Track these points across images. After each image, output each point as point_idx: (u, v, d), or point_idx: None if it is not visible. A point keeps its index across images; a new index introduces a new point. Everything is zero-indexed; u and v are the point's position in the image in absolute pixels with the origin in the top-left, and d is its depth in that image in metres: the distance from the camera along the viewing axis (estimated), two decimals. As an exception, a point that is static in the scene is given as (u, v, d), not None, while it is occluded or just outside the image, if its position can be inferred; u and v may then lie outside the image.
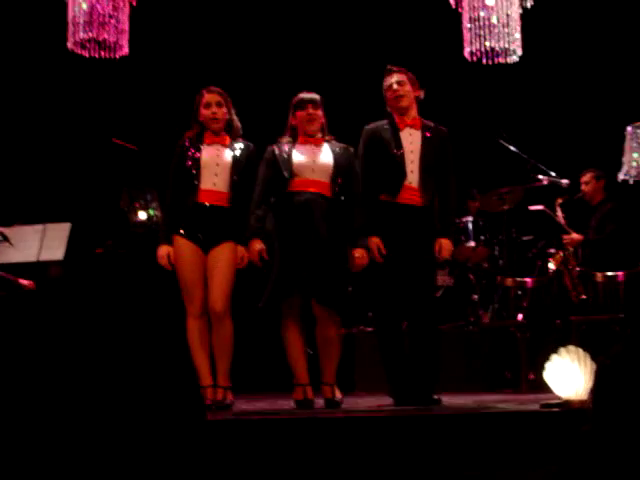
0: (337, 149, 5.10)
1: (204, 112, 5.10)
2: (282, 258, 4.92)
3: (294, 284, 4.88)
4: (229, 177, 5.02)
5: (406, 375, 5.07)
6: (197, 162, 5.01)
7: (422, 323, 5.08)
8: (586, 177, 7.31)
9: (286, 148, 5.08)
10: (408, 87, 5.21)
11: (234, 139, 5.14)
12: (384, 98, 5.30)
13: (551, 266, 6.94)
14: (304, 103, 5.09)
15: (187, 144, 5.10)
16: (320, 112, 5.11)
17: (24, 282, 5.71)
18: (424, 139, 5.19)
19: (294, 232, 4.94)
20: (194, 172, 5.00)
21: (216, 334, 4.93)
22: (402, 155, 5.12)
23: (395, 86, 5.20)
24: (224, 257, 4.95)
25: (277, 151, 5.08)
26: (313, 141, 5.09)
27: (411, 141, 5.17)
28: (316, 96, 5.13)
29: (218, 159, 5.04)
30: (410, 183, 5.10)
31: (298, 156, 5.03)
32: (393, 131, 5.19)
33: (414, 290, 5.06)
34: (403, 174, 5.09)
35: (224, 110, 5.11)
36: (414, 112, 5.26)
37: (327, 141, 5.13)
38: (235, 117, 5.18)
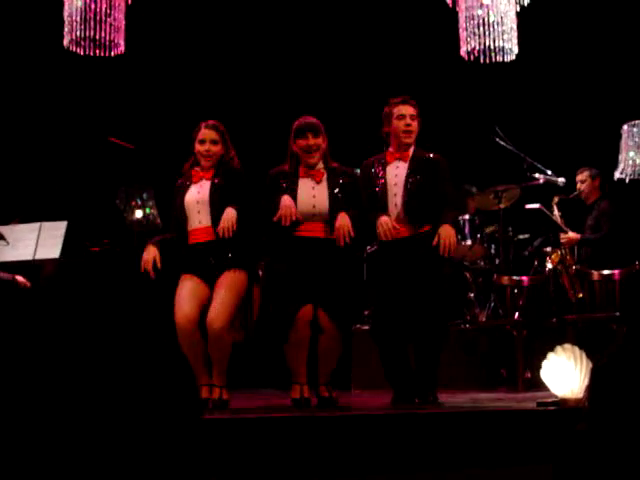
0: (339, 180, 5.05)
1: (198, 147, 5.05)
2: (285, 280, 4.93)
3: (304, 297, 4.90)
4: (209, 212, 4.95)
5: (407, 373, 5.07)
6: (183, 204, 5.02)
7: (429, 322, 5.02)
8: (582, 176, 7.31)
9: (289, 183, 5.02)
10: (417, 122, 5.12)
11: (218, 173, 5.04)
12: (387, 123, 5.16)
13: (549, 265, 6.94)
14: (304, 130, 5.01)
15: (180, 181, 5.11)
16: (321, 140, 5.03)
17: (20, 279, 5.70)
18: (410, 171, 5.07)
19: (294, 269, 4.94)
20: (181, 215, 5.02)
21: (212, 350, 4.83)
22: (384, 190, 5.06)
23: (409, 120, 5.09)
24: (228, 280, 4.87)
25: (283, 186, 5.03)
26: (314, 174, 5.05)
27: (396, 174, 5.10)
28: (316, 122, 5.04)
29: (199, 196, 4.99)
30: (397, 215, 5.03)
31: (300, 199, 4.99)
32: (382, 165, 5.12)
33: (421, 308, 4.99)
34: (384, 210, 5.03)
35: (218, 148, 5.03)
36: (411, 147, 5.16)
37: (330, 169, 5.07)
38: (232, 155, 5.09)
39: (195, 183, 5.05)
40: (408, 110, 5.10)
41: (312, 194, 5.01)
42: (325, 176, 5.05)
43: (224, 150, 5.05)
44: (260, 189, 5.12)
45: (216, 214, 4.92)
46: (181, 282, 4.96)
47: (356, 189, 5.08)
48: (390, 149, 5.17)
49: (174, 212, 5.13)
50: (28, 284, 5.70)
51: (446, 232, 4.88)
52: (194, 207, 4.99)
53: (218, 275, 4.88)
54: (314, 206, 4.99)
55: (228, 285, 4.86)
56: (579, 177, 7.32)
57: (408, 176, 5.06)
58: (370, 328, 5.30)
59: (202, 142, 5.02)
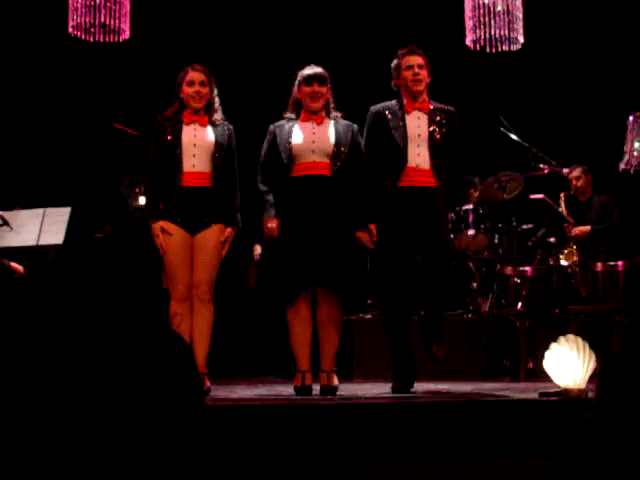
0: (340, 126, 5.06)
1: (186, 89, 5.03)
2: (287, 251, 4.91)
3: (308, 276, 4.88)
4: (210, 157, 4.98)
5: (411, 361, 5.06)
6: (176, 143, 4.97)
7: (436, 309, 5.05)
8: (576, 172, 7.26)
9: (286, 129, 5.05)
10: (426, 71, 5.12)
11: (212, 119, 5.08)
12: (396, 75, 5.16)
13: (563, 263, 6.91)
14: (310, 79, 5.03)
15: (165, 123, 5.05)
16: (325, 89, 5.05)
17: (16, 266, 5.68)
18: (431, 122, 5.10)
19: (297, 221, 4.93)
20: (173, 153, 4.97)
21: (196, 318, 4.89)
22: (405, 141, 5.05)
23: (417, 69, 5.08)
24: (211, 241, 4.92)
25: (278, 133, 5.06)
26: (315, 118, 5.05)
27: (418, 124, 5.09)
28: (323, 72, 5.06)
29: (196, 139, 4.99)
30: (418, 165, 5.03)
31: (297, 138, 5.00)
32: (400, 114, 5.11)
33: (429, 276, 4.99)
34: (404, 160, 5.03)
35: (207, 90, 5.05)
36: (424, 96, 5.16)
37: (332, 118, 5.08)
38: (217, 99, 5.12)
39: (188, 125, 5.03)
40: (416, 60, 5.10)
41: (312, 131, 5.02)
42: (326, 120, 5.07)
43: (210, 94, 5.06)
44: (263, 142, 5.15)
45: (217, 160, 4.98)
46: (167, 233, 4.94)
47: (356, 141, 5.07)
48: (405, 101, 5.14)
49: (159, 151, 5.04)
50: (22, 270, 5.66)
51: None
52: (190, 149, 4.97)
53: (202, 227, 4.92)
54: (313, 142, 4.99)
55: (212, 247, 4.92)
56: (574, 174, 7.26)
57: (431, 127, 5.08)
58: (378, 293, 5.32)
59: (191, 84, 5.03)
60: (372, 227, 5.03)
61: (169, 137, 5.00)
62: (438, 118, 5.12)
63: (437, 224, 5.04)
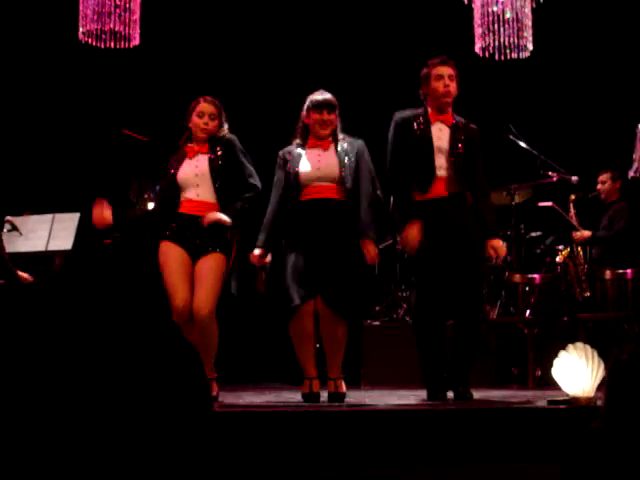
0: (344, 148, 5.04)
1: (195, 120, 5.05)
2: (292, 263, 4.89)
3: (310, 287, 4.87)
4: (211, 185, 4.99)
5: (442, 370, 5.01)
6: (175, 178, 5.02)
7: (468, 319, 4.98)
8: (603, 177, 7.34)
9: (295, 156, 5.04)
10: (455, 83, 5.06)
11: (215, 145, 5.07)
12: (425, 84, 5.09)
13: (557, 259, 6.93)
14: (320, 106, 5.00)
15: (172, 159, 5.13)
16: (334, 116, 5.02)
17: (23, 275, 5.66)
18: (452, 135, 5.04)
19: (302, 238, 4.91)
20: (172, 188, 5.03)
21: (201, 337, 4.81)
22: (432, 151, 5.00)
23: (447, 80, 5.02)
24: (212, 265, 4.89)
25: (288, 160, 5.05)
26: (321, 144, 5.04)
27: (439, 136, 5.03)
28: (333, 99, 5.04)
29: (197, 170, 5.00)
30: (441, 176, 4.99)
31: (304, 167, 4.99)
32: (425, 124, 5.06)
33: (461, 285, 4.93)
34: (432, 171, 4.98)
35: (216, 123, 5.05)
36: (450, 109, 5.11)
37: (337, 141, 5.06)
38: (226, 131, 5.11)
39: (191, 158, 5.05)
40: (447, 71, 5.04)
41: (317, 159, 5.00)
42: (332, 145, 5.05)
43: (218, 128, 5.07)
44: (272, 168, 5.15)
45: (219, 186, 4.96)
46: (166, 252, 4.96)
47: (359, 159, 5.01)
48: (429, 110, 5.10)
49: (162, 185, 5.17)
50: (30, 279, 5.66)
51: (501, 248, 5.06)
52: (192, 181, 5.00)
53: (203, 252, 4.90)
54: (319, 169, 4.97)
55: (214, 269, 4.88)
56: (600, 178, 7.36)
57: (452, 139, 5.02)
58: (413, 312, 5.27)
59: (201, 115, 5.03)
60: (414, 227, 4.96)
61: (171, 172, 5.06)
62: (460, 133, 5.08)
63: (466, 228, 4.98)
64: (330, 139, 5.07)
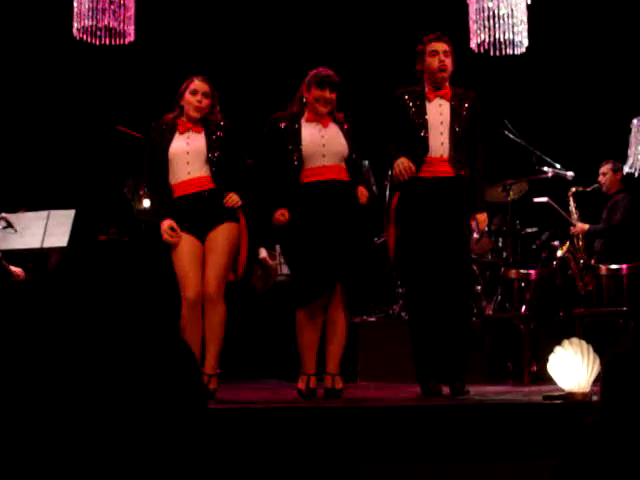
0: (346, 127, 5.03)
1: (188, 97, 4.98)
2: (308, 252, 4.85)
3: (329, 278, 4.84)
4: (204, 159, 4.94)
5: (436, 365, 4.99)
6: (166, 155, 4.95)
7: (457, 313, 4.98)
8: (604, 168, 7.33)
9: (293, 126, 4.97)
10: (451, 59, 5.05)
11: (207, 125, 5.03)
12: (420, 61, 5.08)
13: (559, 253, 6.92)
14: (324, 83, 4.93)
15: (157, 134, 5.03)
16: (335, 96, 4.98)
17: (15, 269, 5.65)
18: (453, 110, 5.02)
19: (314, 227, 4.87)
20: (165, 167, 4.96)
21: (208, 317, 4.83)
22: (427, 130, 4.98)
23: (442, 56, 5.01)
24: (220, 240, 4.89)
25: (284, 127, 4.98)
26: (321, 120, 4.99)
27: (440, 112, 5.01)
28: (336, 78, 4.99)
29: (188, 147, 4.94)
30: (441, 155, 4.98)
31: (307, 139, 4.93)
32: (421, 102, 5.04)
33: (450, 276, 4.92)
34: (426, 150, 4.97)
35: (208, 102, 4.99)
36: (447, 83, 5.09)
37: (336, 121, 5.04)
38: (217, 111, 5.07)
39: (182, 133, 4.99)
40: (441, 46, 5.03)
41: (320, 135, 4.96)
42: (331, 122, 5.02)
43: (211, 107, 5.02)
44: (259, 137, 5.11)
45: (215, 163, 4.93)
46: (173, 243, 4.92)
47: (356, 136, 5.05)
48: (426, 87, 5.09)
49: (152, 164, 5.05)
50: (22, 274, 5.64)
51: (483, 221, 5.11)
52: (182, 158, 4.94)
53: (209, 228, 4.90)
54: (324, 145, 4.94)
55: (222, 246, 4.88)
56: (601, 169, 7.35)
57: (453, 116, 5.01)
58: (406, 305, 5.26)
59: (194, 93, 4.97)
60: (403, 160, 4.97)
61: (160, 152, 4.98)
62: (459, 104, 5.05)
63: (458, 218, 4.99)
64: (328, 117, 5.02)
